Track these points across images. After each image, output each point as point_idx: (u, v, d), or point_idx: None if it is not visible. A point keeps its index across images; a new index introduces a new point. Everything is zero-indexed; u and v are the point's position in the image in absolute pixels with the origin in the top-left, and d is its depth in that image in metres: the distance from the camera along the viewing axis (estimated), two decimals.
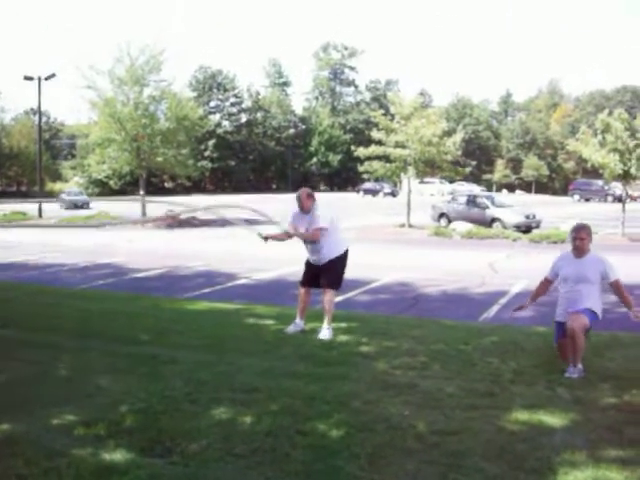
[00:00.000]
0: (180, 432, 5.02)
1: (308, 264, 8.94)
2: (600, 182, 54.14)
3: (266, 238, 8.88)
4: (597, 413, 5.54)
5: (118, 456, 4.61)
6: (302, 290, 8.94)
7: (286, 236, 8.91)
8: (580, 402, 5.83)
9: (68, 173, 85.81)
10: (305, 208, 8.66)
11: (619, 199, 31.86)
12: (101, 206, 44.20)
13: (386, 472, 4.39)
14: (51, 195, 60.89)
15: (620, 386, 6.28)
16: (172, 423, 5.23)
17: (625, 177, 25.67)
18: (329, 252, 8.67)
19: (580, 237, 7.16)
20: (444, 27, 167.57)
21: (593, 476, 4.29)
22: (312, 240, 8.61)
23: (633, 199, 43.63)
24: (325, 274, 8.71)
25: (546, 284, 7.60)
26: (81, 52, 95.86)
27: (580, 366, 6.76)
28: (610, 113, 25.96)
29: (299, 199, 8.69)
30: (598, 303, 7.14)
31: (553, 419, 5.33)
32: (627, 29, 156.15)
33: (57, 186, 73.36)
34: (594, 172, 33.34)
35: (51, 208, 46.01)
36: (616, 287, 7.15)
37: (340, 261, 8.78)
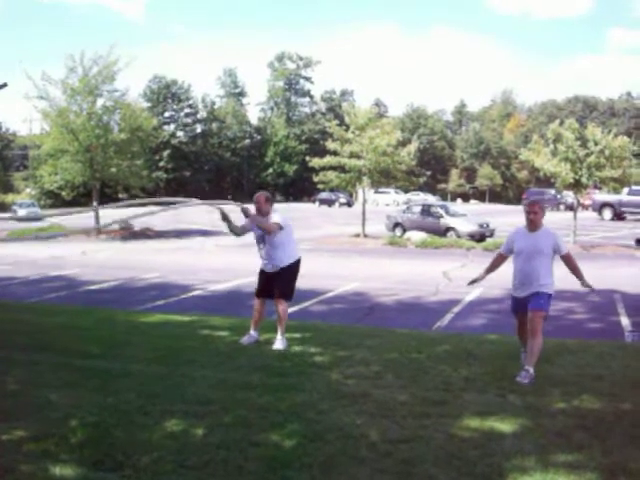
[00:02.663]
0: (132, 445, 4.97)
1: (261, 274, 8.91)
2: (552, 191, 54.96)
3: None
4: (547, 419, 5.63)
5: (68, 471, 4.54)
6: (257, 301, 8.90)
7: (249, 220, 8.68)
8: (530, 408, 5.92)
9: (20, 184, 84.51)
10: (263, 211, 8.63)
11: (571, 207, 32.39)
12: (54, 218, 43.62)
13: None
14: (2, 207, 59.86)
15: (569, 392, 6.40)
16: (124, 436, 5.17)
17: (576, 186, 26.13)
18: (282, 256, 8.63)
19: (534, 211, 7.36)
20: (399, 38, 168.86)
21: None
22: (266, 231, 8.50)
23: (584, 207, 44.42)
24: (277, 284, 8.70)
25: (500, 259, 7.83)
26: (34, 61, 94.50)
27: (532, 371, 6.87)
28: (561, 123, 26.45)
29: (257, 202, 8.64)
30: (551, 277, 7.37)
31: (504, 425, 5.40)
32: (579, 41, 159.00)
33: (9, 198, 72.13)
34: (547, 181, 33.88)
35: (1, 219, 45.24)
36: (567, 259, 7.46)
37: (292, 270, 8.77)
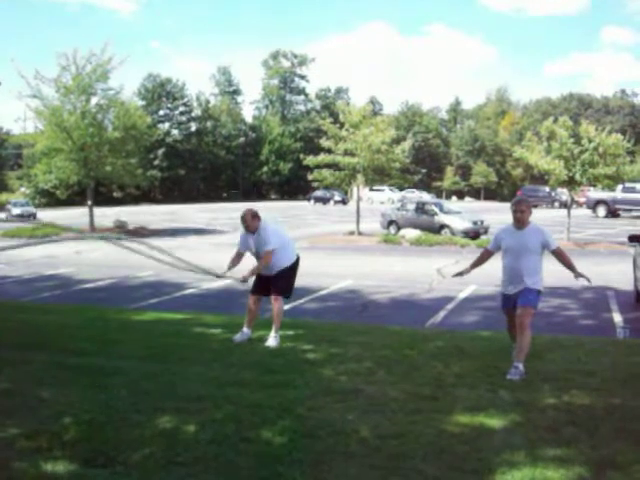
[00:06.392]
0: (123, 442, 4.98)
1: (259, 274, 8.91)
2: (547, 188, 54.99)
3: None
4: (537, 414, 5.66)
5: (60, 467, 4.55)
6: (252, 298, 8.86)
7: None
8: (521, 403, 5.94)
9: (14, 183, 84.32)
10: (251, 228, 8.63)
11: (565, 205, 32.42)
12: (47, 216, 43.61)
13: (328, 477, 4.43)
14: None
15: (560, 387, 6.43)
16: (116, 433, 5.18)
17: (570, 183, 26.17)
18: (279, 263, 8.68)
19: (520, 209, 7.39)
20: (394, 36, 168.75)
21: (530, 475, 4.37)
22: (267, 263, 8.58)
23: (579, 205, 44.47)
24: (276, 282, 8.71)
25: (487, 254, 7.84)
26: (26, 60, 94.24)
27: (521, 368, 6.90)
28: (555, 120, 26.48)
29: (244, 220, 8.65)
30: (539, 275, 7.40)
31: (494, 421, 5.43)
32: (574, 38, 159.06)
33: (3, 197, 71.90)
34: (541, 178, 33.91)
35: None
36: (558, 254, 7.51)
37: (291, 270, 8.80)
